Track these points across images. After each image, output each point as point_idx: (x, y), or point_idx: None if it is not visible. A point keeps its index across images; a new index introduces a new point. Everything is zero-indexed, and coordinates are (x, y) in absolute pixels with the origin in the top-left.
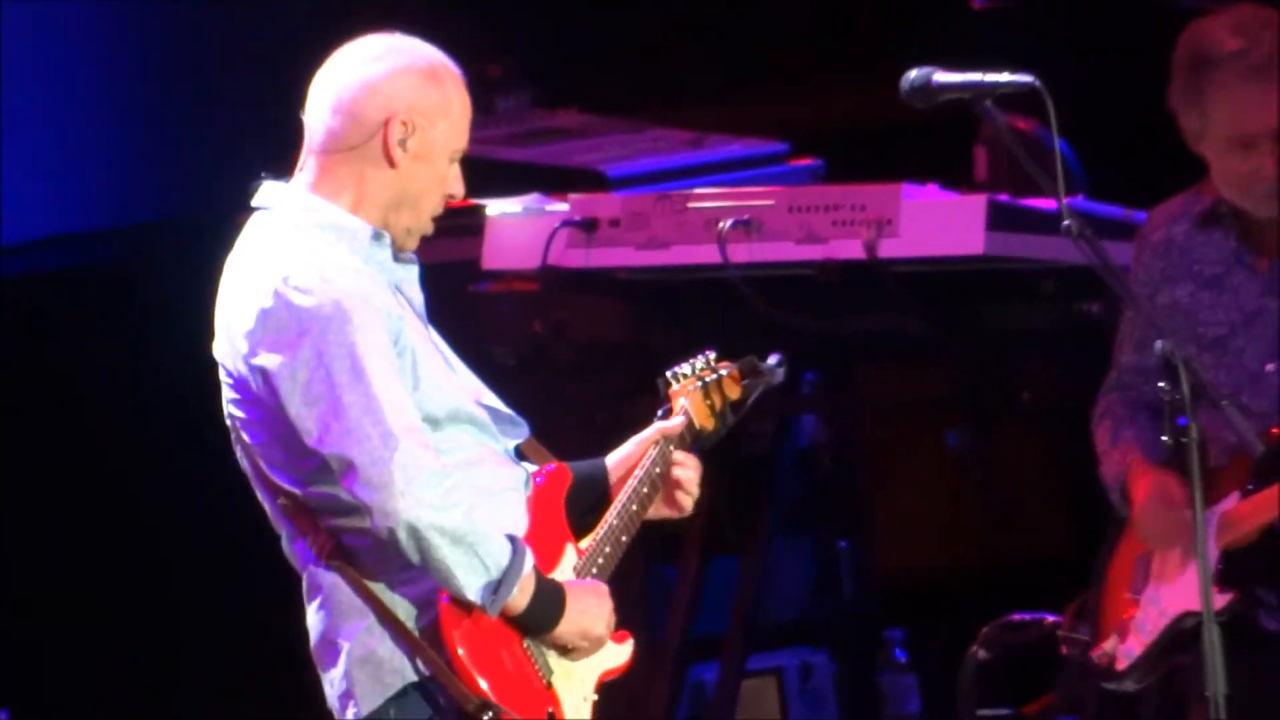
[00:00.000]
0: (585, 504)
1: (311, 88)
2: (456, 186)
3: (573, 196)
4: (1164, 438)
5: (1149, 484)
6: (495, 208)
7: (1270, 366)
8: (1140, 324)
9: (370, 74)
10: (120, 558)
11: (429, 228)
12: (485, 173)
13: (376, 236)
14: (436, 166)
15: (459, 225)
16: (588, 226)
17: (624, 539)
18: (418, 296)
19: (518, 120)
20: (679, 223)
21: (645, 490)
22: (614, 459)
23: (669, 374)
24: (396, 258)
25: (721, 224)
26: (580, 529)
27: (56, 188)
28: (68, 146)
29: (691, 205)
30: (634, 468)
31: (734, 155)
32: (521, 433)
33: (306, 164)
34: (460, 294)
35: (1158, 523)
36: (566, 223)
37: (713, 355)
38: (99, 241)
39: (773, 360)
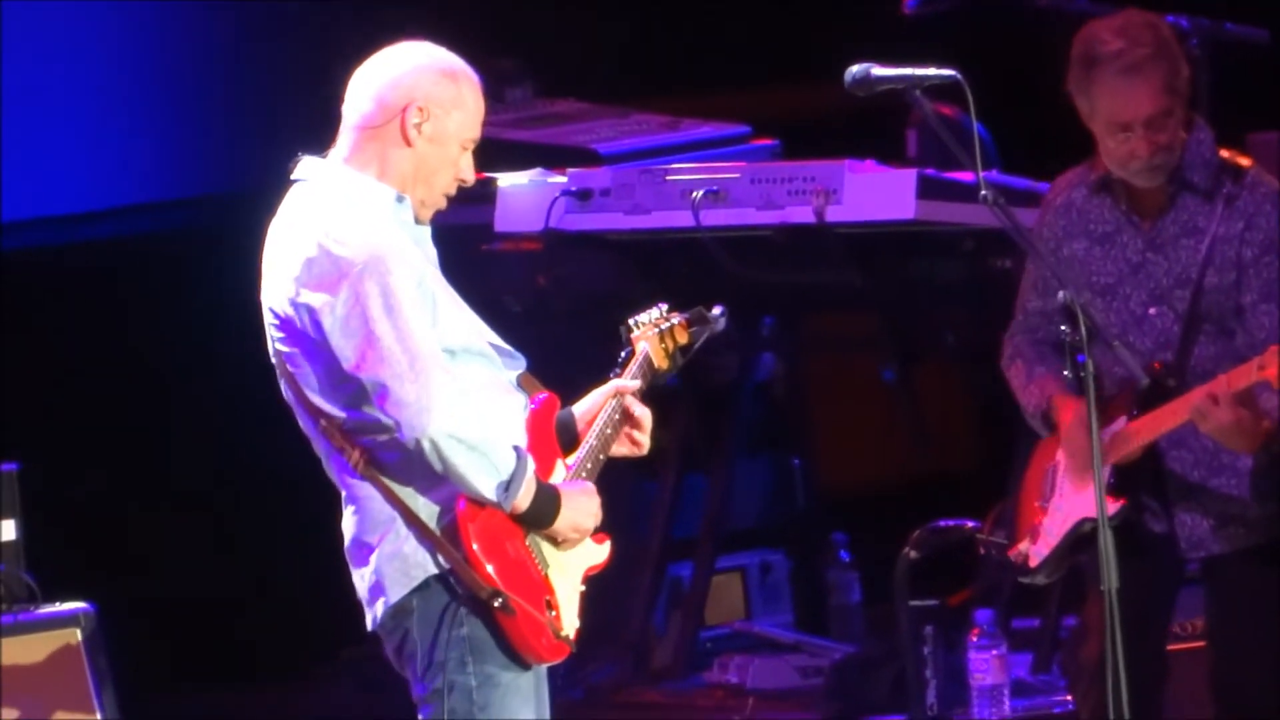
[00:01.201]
0: (562, 442)
1: (351, 81)
2: (467, 172)
3: (570, 171)
4: (1065, 373)
5: (1071, 412)
6: (505, 180)
7: (1152, 310)
8: (1042, 274)
9: (398, 68)
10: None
11: (442, 203)
12: (496, 151)
13: (399, 200)
14: (448, 150)
15: (475, 194)
16: (583, 196)
17: (601, 458)
18: (432, 252)
19: (524, 107)
20: (659, 192)
21: (609, 431)
22: (580, 408)
23: (630, 322)
24: (416, 220)
25: (695, 193)
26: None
27: (110, 163)
28: (123, 124)
29: (670, 178)
30: (597, 414)
31: (705, 136)
32: (519, 365)
33: (341, 141)
34: (476, 252)
35: (1081, 441)
36: (565, 193)
37: (665, 307)
38: (157, 212)
39: (717, 311)
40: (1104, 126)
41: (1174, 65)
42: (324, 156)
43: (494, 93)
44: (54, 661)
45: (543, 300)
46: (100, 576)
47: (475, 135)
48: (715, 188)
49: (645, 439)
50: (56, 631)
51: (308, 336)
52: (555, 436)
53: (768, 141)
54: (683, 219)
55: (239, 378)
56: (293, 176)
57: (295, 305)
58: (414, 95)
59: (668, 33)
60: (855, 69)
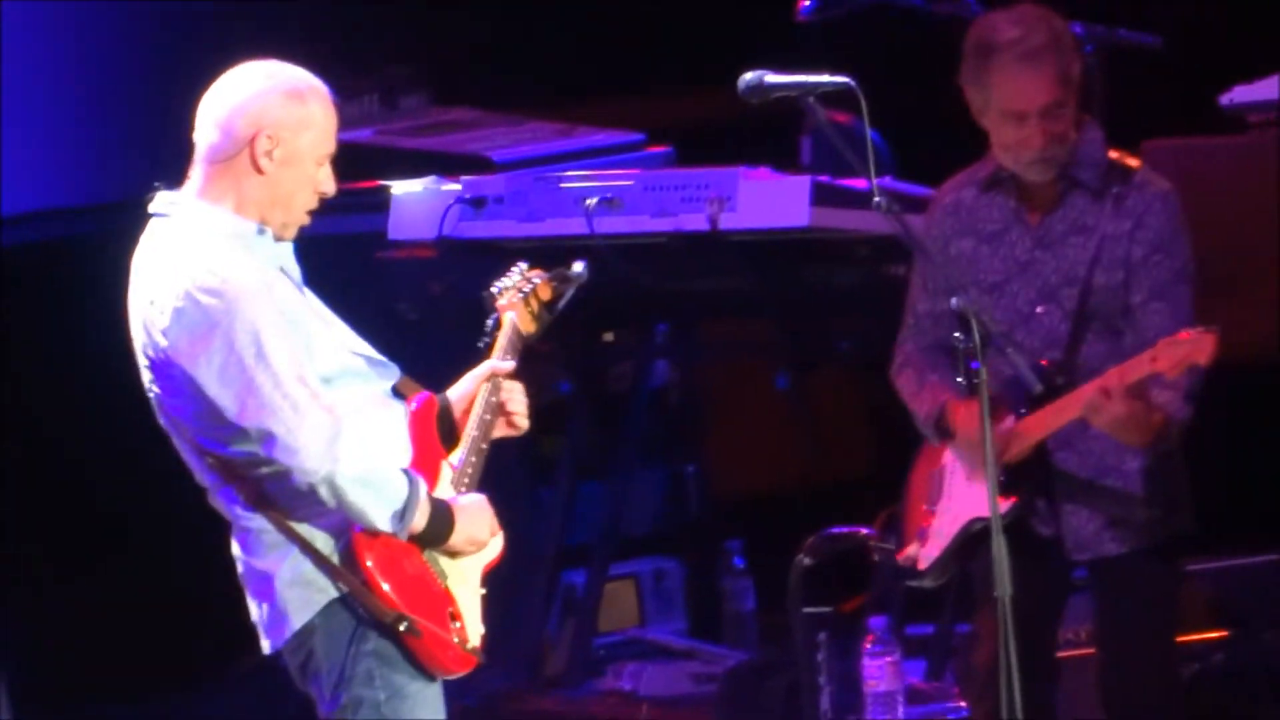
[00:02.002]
0: (444, 429)
1: (199, 109)
2: (327, 185)
3: (464, 178)
4: (959, 379)
5: (967, 414)
6: (399, 188)
7: (1040, 309)
8: (932, 276)
9: (241, 96)
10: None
11: (304, 220)
12: (390, 159)
13: (260, 232)
14: (304, 170)
15: (368, 203)
16: (477, 203)
17: (483, 448)
18: (296, 270)
19: (418, 115)
20: (553, 200)
21: (488, 417)
22: (454, 394)
23: (493, 289)
24: (276, 240)
25: (589, 200)
26: (445, 446)
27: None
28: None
29: (564, 185)
30: (473, 400)
31: (599, 143)
32: (393, 374)
33: (194, 175)
34: (370, 259)
35: (974, 441)
36: (459, 200)
37: (524, 265)
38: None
39: (579, 266)
40: (998, 116)
41: (1069, 57)
42: (178, 189)
43: (388, 100)
44: None
45: (437, 307)
46: None
47: (330, 149)
48: (609, 195)
49: (523, 420)
50: None
51: (182, 383)
52: (438, 437)
53: (661, 149)
54: (577, 226)
55: (131, 374)
56: (150, 210)
57: (167, 354)
58: (261, 123)
59: (562, 39)
60: (749, 76)
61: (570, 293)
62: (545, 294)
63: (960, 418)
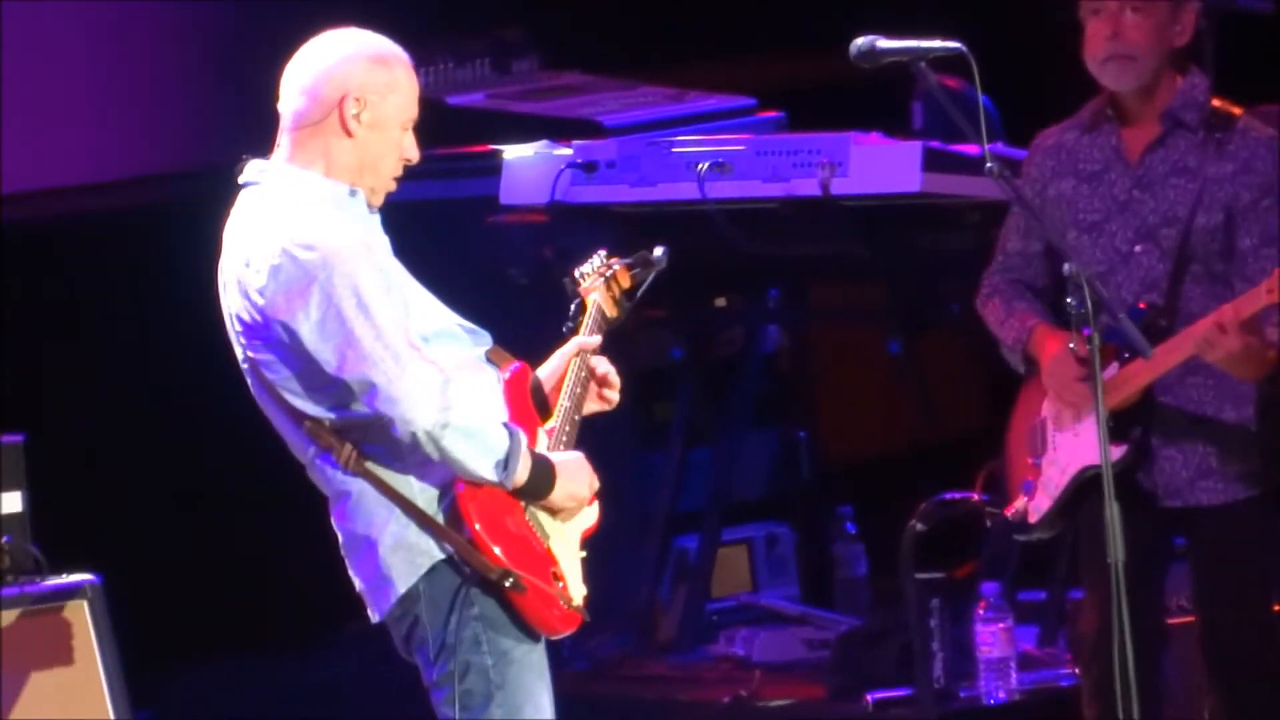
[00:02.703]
0: (536, 402)
1: (282, 78)
2: (411, 151)
3: (575, 143)
4: (1070, 345)
5: (1054, 344)
6: (511, 152)
7: (1138, 248)
8: (1026, 217)
9: (326, 61)
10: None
11: (391, 186)
12: (502, 123)
13: (352, 193)
14: (390, 134)
15: (480, 167)
16: (588, 168)
17: (576, 419)
18: (386, 239)
19: (529, 79)
20: (664, 165)
21: (579, 390)
22: (544, 371)
23: (576, 274)
24: (369, 208)
25: (700, 165)
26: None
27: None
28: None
29: (675, 150)
30: (563, 377)
31: (710, 108)
32: (486, 342)
33: (282, 142)
34: (481, 224)
35: (1068, 382)
36: (570, 165)
37: (604, 253)
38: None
39: (658, 251)
40: (1085, 11)
41: None
42: (267, 158)
43: (500, 64)
44: (60, 633)
45: (548, 272)
46: (106, 548)
47: (413, 115)
48: (721, 160)
49: (614, 394)
50: (62, 603)
51: (282, 343)
52: (531, 405)
53: (773, 114)
54: (688, 191)
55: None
56: (240, 180)
57: (264, 313)
58: (348, 86)
59: (673, 4)
60: (860, 41)
61: (651, 278)
62: (625, 280)
63: (1046, 346)
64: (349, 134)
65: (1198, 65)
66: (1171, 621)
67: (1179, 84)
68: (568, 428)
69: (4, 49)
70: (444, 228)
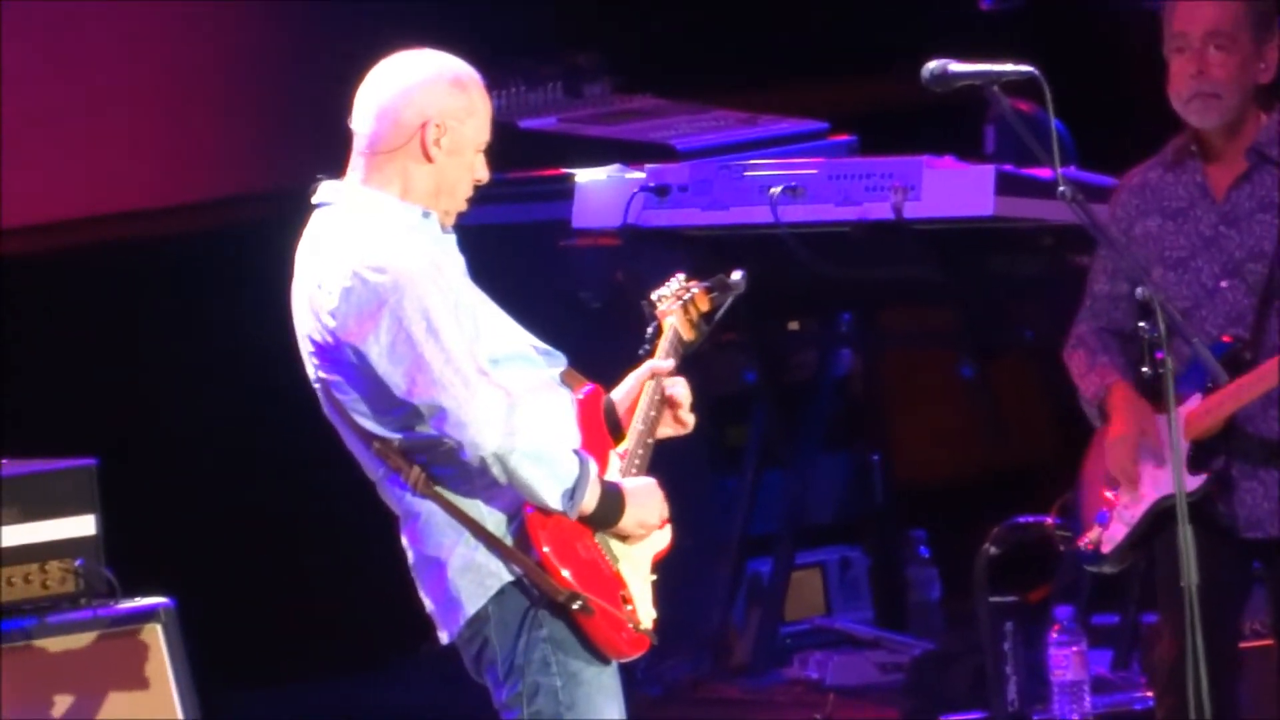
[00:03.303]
0: (610, 422)
1: (356, 99)
2: (483, 172)
3: (648, 166)
4: (1144, 369)
5: (1120, 425)
6: (583, 176)
7: (1224, 283)
8: (1113, 258)
9: (405, 84)
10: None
11: (463, 207)
12: (574, 147)
13: (425, 216)
14: (466, 158)
15: (553, 190)
16: (660, 192)
17: (649, 442)
18: (461, 260)
19: (602, 103)
20: (737, 188)
21: (653, 413)
22: (618, 394)
23: (653, 297)
24: (442, 229)
25: (773, 189)
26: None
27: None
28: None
29: (748, 173)
30: (638, 398)
31: (783, 132)
32: (561, 363)
33: (356, 164)
34: (554, 248)
35: (1121, 458)
36: (643, 188)
37: (683, 276)
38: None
39: (736, 275)
40: (1169, 44)
41: (1256, 10)
42: (340, 178)
43: (572, 88)
44: (134, 656)
45: (620, 296)
46: (179, 571)
47: (487, 137)
48: (793, 184)
49: (689, 416)
50: (136, 626)
51: (351, 365)
52: (605, 427)
53: (845, 137)
54: (760, 215)
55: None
56: (314, 201)
57: (335, 335)
58: (428, 112)
59: (744, 26)
60: (932, 65)
61: (729, 302)
62: (703, 304)
63: (1118, 413)
64: (429, 159)
65: None
66: (1244, 645)
67: (1263, 120)
68: (640, 450)
69: (77, 77)
70: (517, 251)
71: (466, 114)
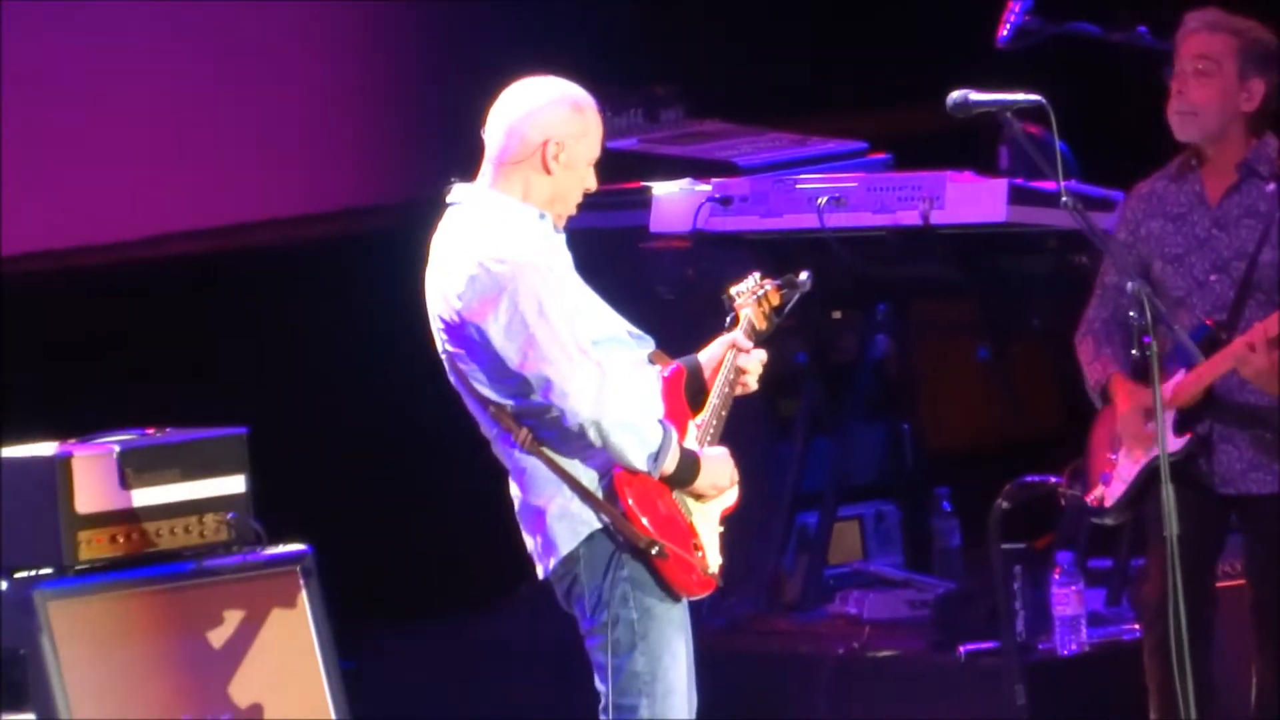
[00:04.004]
0: (693, 389)
1: (490, 114)
2: (592, 183)
3: (714, 180)
4: (1134, 351)
5: (1124, 404)
6: (659, 188)
7: (1213, 277)
8: (1118, 257)
9: (531, 105)
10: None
11: (574, 211)
12: (651, 164)
13: (542, 217)
14: (579, 172)
15: (633, 200)
16: (725, 202)
17: (724, 413)
18: (569, 256)
19: (675, 126)
20: (789, 199)
21: (727, 390)
22: (705, 357)
23: (732, 291)
24: (555, 229)
25: (820, 200)
26: (692, 407)
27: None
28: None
29: (799, 186)
30: (720, 365)
31: (829, 151)
32: (649, 345)
33: (485, 171)
34: (634, 250)
35: (1135, 427)
36: (710, 199)
37: (758, 275)
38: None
39: (804, 275)
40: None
41: (1246, 45)
42: (472, 181)
43: (650, 114)
44: (278, 595)
45: (691, 291)
46: (318, 524)
47: (598, 154)
48: (837, 195)
49: (754, 381)
50: (281, 570)
51: (473, 340)
52: (685, 402)
53: (882, 156)
54: (809, 221)
55: (427, 350)
56: (448, 200)
57: (461, 315)
58: (549, 131)
59: (798, 64)
60: (955, 94)
61: (796, 297)
62: (775, 299)
63: (1122, 401)
64: (548, 172)
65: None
66: (1220, 585)
67: (1253, 142)
68: (715, 422)
69: (220, 91)
70: (604, 252)
71: (582, 134)
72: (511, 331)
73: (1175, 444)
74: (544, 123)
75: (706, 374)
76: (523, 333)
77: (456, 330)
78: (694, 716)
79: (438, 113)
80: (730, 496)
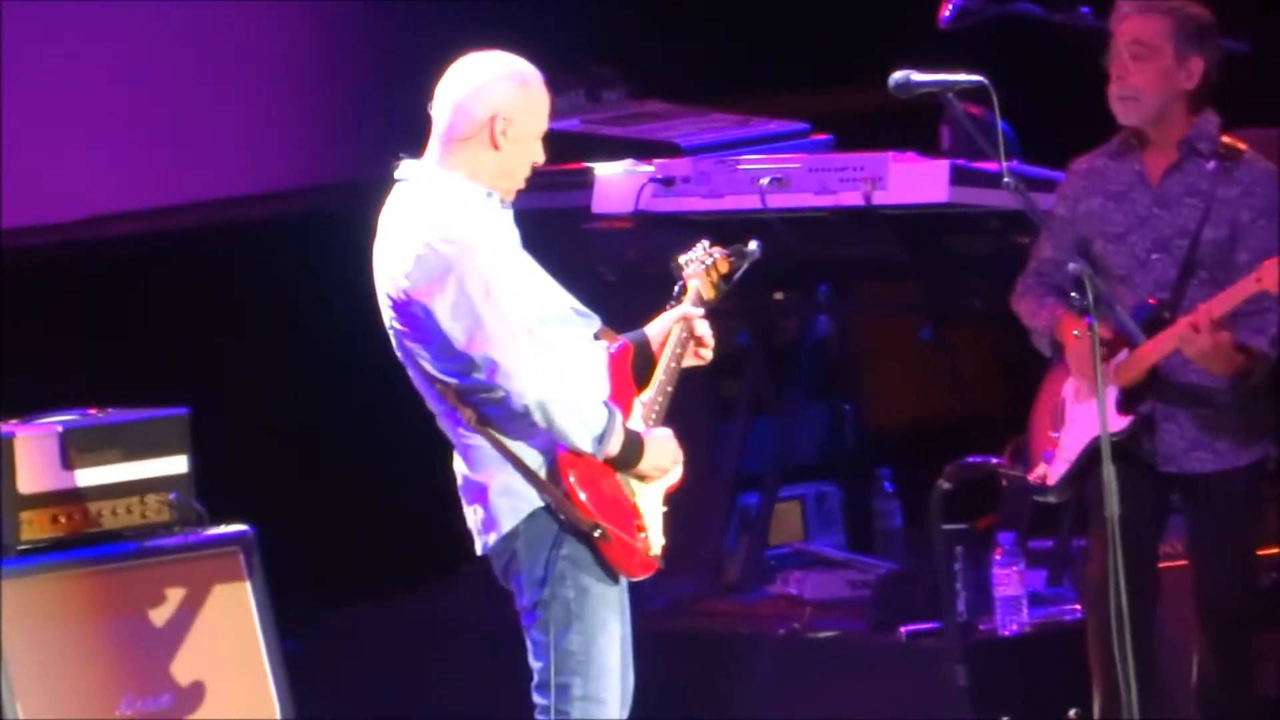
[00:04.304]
0: (640, 364)
1: (437, 90)
2: (539, 156)
3: (656, 161)
4: (1075, 332)
5: (1076, 330)
6: (601, 169)
7: (1154, 256)
8: (1058, 234)
9: (479, 82)
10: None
11: (522, 186)
12: (594, 145)
13: (488, 195)
14: (527, 146)
15: (575, 181)
16: (667, 183)
17: (670, 389)
18: (516, 233)
19: (617, 107)
20: (731, 179)
21: (679, 351)
22: (652, 331)
23: (680, 259)
24: (501, 205)
25: (762, 180)
26: (638, 382)
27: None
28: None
29: (741, 167)
30: (668, 336)
31: (771, 132)
32: (595, 323)
33: (433, 147)
34: (577, 230)
35: (1085, 354)
36: (652, 180)
37: (707, 243)
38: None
39: (753, 245)
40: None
41: (1181, 25)
42: (419, 158)
43: (592, 95)
44: (220, 575)
45: (633, 271)
46: (260, 505)
47: (545, 128)
48: (779, 176)
49: (709, 350)
50: (222, 550)
51: (420, 319)
52: (632, 379)
53: (824, 136)
54: (751, 202)
55: (369, 331)
56: (395, 176)
57: (408, 294)
58: (497, 107)
59: (741, 45)
60: (897, 75)
61: (745, 267)
62: (724, 267)
63: (1068, 332)
64: (496, 147)
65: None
66: (1162, 566)
67: (1194, 120)
68: (660, 398)
69: (161, 72)
70: (546, 233)
71: (529, 108)
72: (458, 312)
73: (1119, 424)
74: (491, 98)
75: (654, 348)
76: (469, 313)
77: (403, 308)
78: (631, 697)
79: (383, 93)
80: (673, 476)
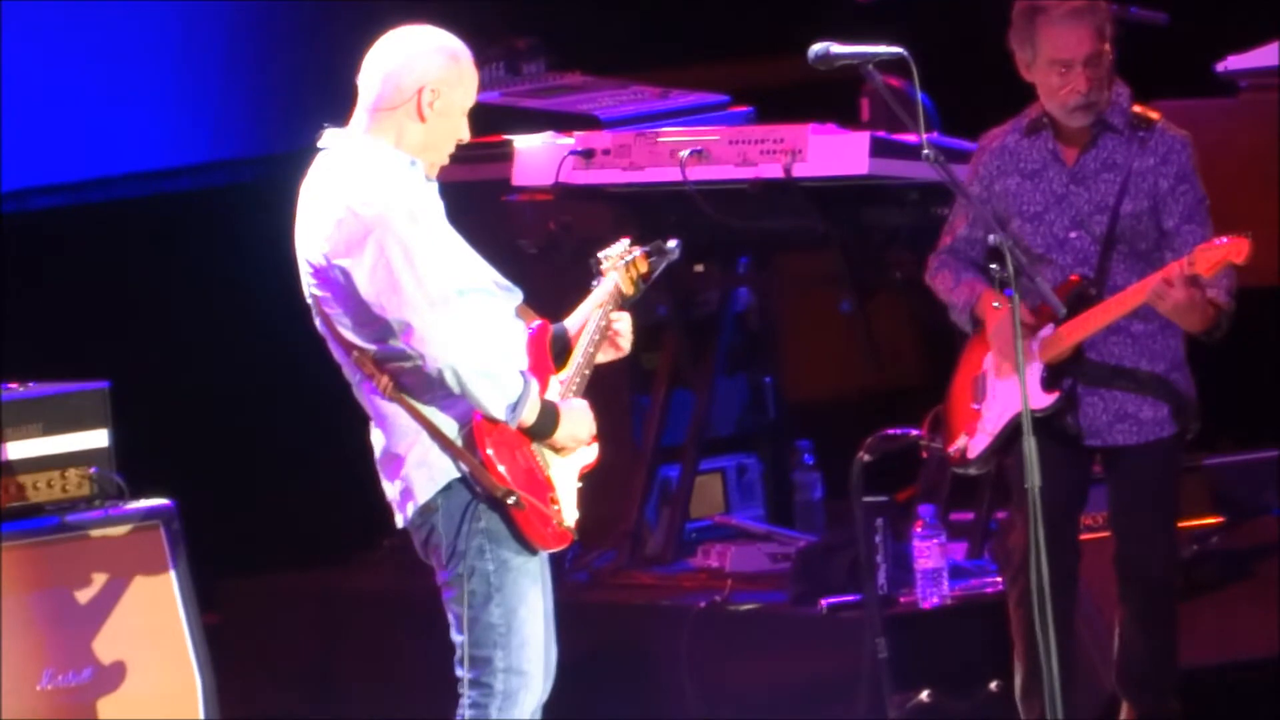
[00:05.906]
0: (558, 350)
1: (364, 61)
2: (465, 133)
3: (576, 133)
4: (995, 304)
5: (997, 315)
6: (521, 141)
7: (1073, 234)
8: (972, 210)
9: (409, 53)
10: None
11: (446, 160)
12: (514, 117)
13: (413, 164)
14: (454, 120)
15: (495, 154)
16: (587, 155)
17: (587, 372)
18: (440, 204)
19: (537, 80)
20: (651, 152)
21: (591, 350)
22: (571, 321)
23: (600, 255)
24: (426, 178)
25: (682, 153)
26: (557, 365)
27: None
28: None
29: (660, 139)
30: (584, 326)
31: (690, 104)
32: (516, 298)
33: (359, 118)
34: (497, 202)
35: (1008, 333)
36: (572, 152)
37: (628, 241)
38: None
39: (672, 244)
40: (1046, 68)
41: (1103, 15)
42: (344, 127)
43: (512, 67)
44: (141, 549)
45: (553, 243)
46: (181, 478)
47: (472, 103)
48: (699, 148)
49: (627, 343)
50: (142, 524)
51: (339, 284)
52: (549, 357)
53: (743, 109)
54: (672, 175)
55: (289, 302)
56: (319, 145)
57: (327, 258)
58: (425, 78)
59: (661, 16)
60: (817, 47)
61: (664, 265)
62: (642, 266)
63: (990, 310)
64: (422, 119)
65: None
66: (1084, 537)
67: (1106, 95)
68: (578, 379)
69: (83, 41)
70: (466, 205)
71: (457, 82)
72: (376, 275)
73: (1045, 400)
74: (420, 70)
75: (572, 334)
76: (387, 277)
77: (323, 273)
78: (554, 669)
79: (306, 66)
80: (590, 454)
